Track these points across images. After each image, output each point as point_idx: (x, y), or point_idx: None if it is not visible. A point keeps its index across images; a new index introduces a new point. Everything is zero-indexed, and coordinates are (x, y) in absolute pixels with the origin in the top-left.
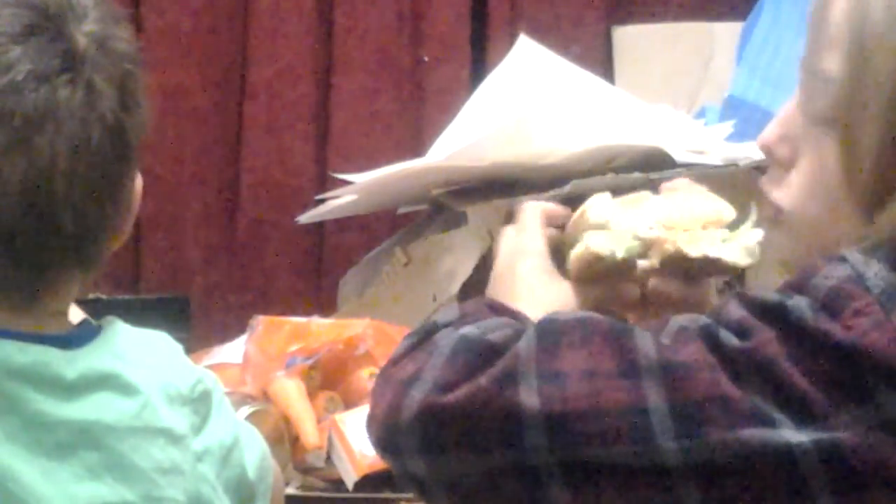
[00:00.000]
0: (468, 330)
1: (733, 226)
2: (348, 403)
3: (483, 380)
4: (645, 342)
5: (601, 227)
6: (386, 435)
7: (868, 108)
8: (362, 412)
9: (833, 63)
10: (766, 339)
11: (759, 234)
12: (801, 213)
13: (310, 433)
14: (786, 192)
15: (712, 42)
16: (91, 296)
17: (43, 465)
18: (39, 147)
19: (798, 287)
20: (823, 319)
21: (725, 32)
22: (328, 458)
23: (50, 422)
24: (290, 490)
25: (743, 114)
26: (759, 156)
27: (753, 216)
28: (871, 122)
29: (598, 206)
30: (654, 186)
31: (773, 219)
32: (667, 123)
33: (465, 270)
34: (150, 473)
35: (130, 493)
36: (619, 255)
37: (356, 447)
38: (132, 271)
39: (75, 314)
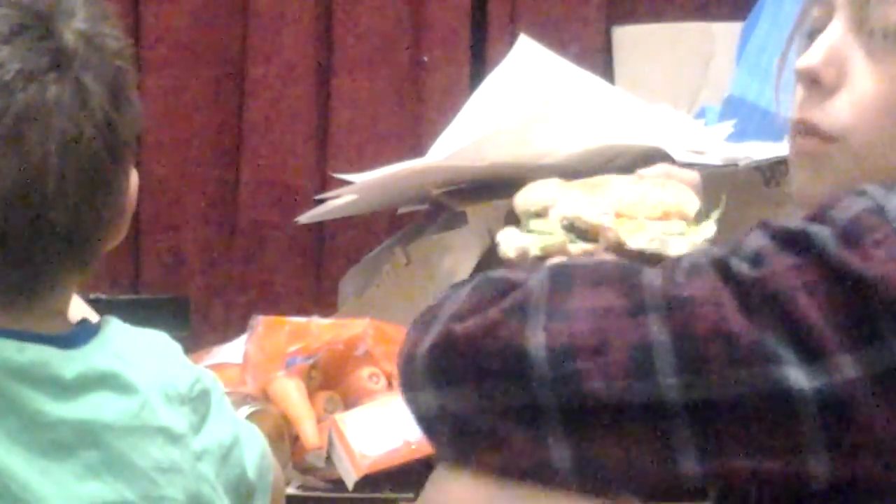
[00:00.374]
0: (495, 272)
1: (700, 218)
2: (348, 403)
3: (493, 311)
4: (653, 280)
5: (540, 213)
6: (404, 369)
7: None
8: (362, 412)
9: None
10: (783, 268)
11: (711, 229)
12: (866, 130)
13: (310, 433)
14: (839, 114)
15: (712, 42)
16: (91, 296)
17: (42, 465)
18: (30, 145)
19: (818, 218)
20: (843, 248)
21: (725, 32)
22: (328, 458)
23: (49, 421)
24: (290, 490)
25: (743, 114)
26: (759, 156)
27: (717, 212)
28: None
29: (539, 191)
30: (628, 170)
31: (815, 152)
32: (667, 123)
33: (465, 270)
34: (150, 472)
35: (130, 492)
36: (534, 251)
37: (356, 447)
38: (132, 271)
39: (78, 310)
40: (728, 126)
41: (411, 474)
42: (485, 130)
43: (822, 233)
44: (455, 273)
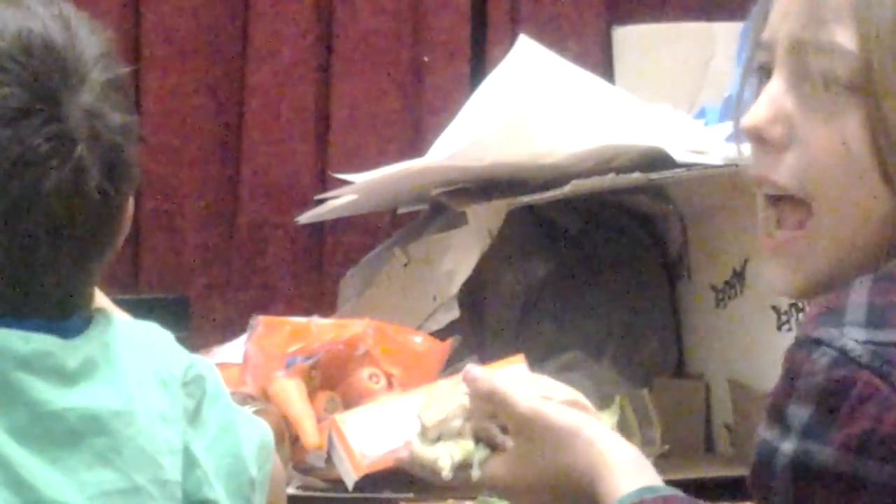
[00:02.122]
0: None
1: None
2: (348, 403)
3: None
4: None
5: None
6: None
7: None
8: (362, 412)
9: (843, 36)
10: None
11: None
12: (820, 184)
13: (310, 433)
14: (793, 172)
15: (712, 42)
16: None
17: (52, 454)
18: (20, 230)
19: (788, 391)
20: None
21: (725, 32)
22: (328, 458)
23: (56, 410)
24: (290, 490)
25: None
26: None
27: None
28: None
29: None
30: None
31: (787, 243)
32: (667, 123)
33: (465, 270)
34: (156, 457)
35: (139, 478)
36: (445, 474)
37: (356, 447)
38: (132, 271)
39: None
40: (728, 126)
41: (411, 474)
42: (485, 130)
43: (799, 414)
44: (455, 273)
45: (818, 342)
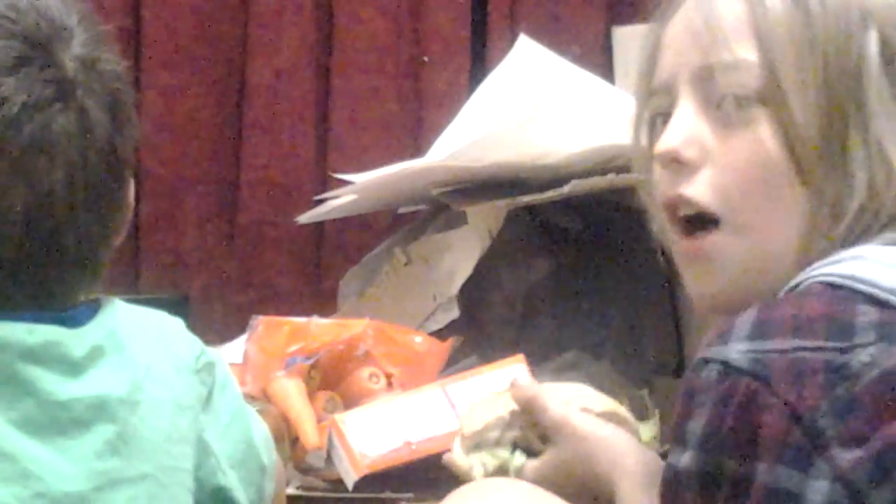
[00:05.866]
0: None
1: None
2: (348, 403)
3: None
4: None
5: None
6: None
7: (800, 80)
8: (362, 412)
9: (745, 50)
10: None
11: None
12: (738, 203)
13: (310, 433)
14: (708, 188)
15: None
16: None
17: (60, 444)
18: (38, 175)
19: (686, 414)
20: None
21: None
22: (328, 458)
23: (63, 400)
24: (290, 490)
25: None
26: None
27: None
28: (806, 91)
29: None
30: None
31: (699, 250)
32: None
33: (465, 270)
34: (163, 444)
35: (147, 466)
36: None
37: (356, 447)
38: (132, 271)
39: None
40: None
41: (411, 474)
42: (485, 130)
43: (694, 429)
44: (455, 273)
45: (706, 361)
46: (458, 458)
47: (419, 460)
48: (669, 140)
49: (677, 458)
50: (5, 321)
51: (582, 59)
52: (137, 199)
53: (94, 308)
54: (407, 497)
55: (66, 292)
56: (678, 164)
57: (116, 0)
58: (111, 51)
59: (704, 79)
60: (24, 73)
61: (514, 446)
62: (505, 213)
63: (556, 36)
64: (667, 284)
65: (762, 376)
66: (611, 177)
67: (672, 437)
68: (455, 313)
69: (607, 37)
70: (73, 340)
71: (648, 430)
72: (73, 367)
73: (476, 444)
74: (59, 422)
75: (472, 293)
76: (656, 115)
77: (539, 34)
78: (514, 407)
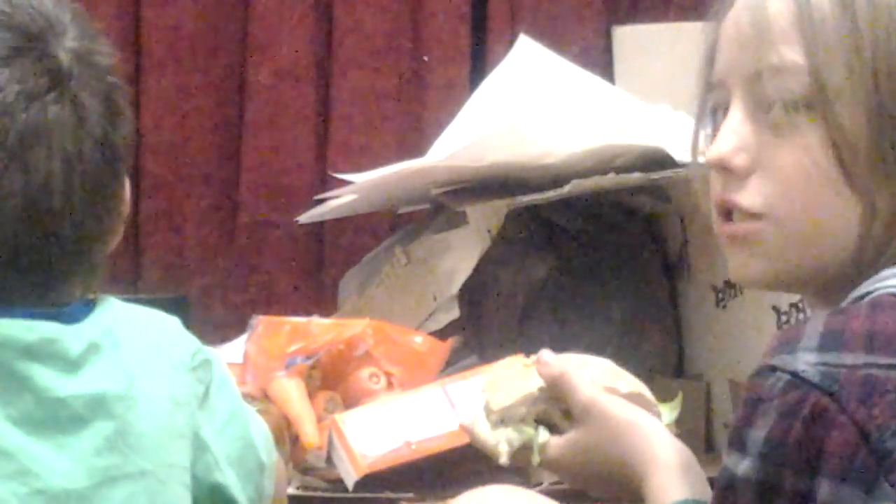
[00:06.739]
0: None
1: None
2: (348, 403)
3: None
4: None
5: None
6: None
7: (848, 85)
8: (362, 412)
9: (793, 53)
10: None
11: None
12: (787, 204)
13: (310, 433)
14: (759, 195)
15: None
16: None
17: (59, 441)
18: (35, 164)
19: (747, 419)
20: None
21: None
22: (328, 458)
23: (62, 397)
24: (290, 490)
25: None
26: None
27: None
28: (855, 97)
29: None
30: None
31: (743, 234)
32: (667, 123)
33: (465, 270)
34: (161, 441)
35: (145, 462)
36: (503, 459)
37: (356, 447)
38: (132, 271)
39: None
40: None
41: (411, 474)
42: (485, 130)
43: (756, 438)
44: (455, 273)
45: (773, 368)
46: (483, 432)
47: (419, 460)
48: (720, 147)
49: (735, 464)
50: (3, 318)
51: (582, 59)
52: (137, 199)
53: (89, 305)
54: (407, 497)
55: (63, 286)
56: (729, 171)
57: (117, 0)
58: (105, 45)
59: (757, 82)
60: (18, 63)
61: (538, 422)
62: (505, 213)
63: (556, 36)
64: (667, 284)
65: (832, 391)
66: (611, 177)
67: (730, 440)
68: (455, 313)
69: (607, 37)
70: (69, 337)
71: (669, 411)
72: (70, 364)
73: (501, 419)
74: (57, 418)
75: (472, 293)
76: (717, 107)
77: (539, 34)
78: (542, 383)
